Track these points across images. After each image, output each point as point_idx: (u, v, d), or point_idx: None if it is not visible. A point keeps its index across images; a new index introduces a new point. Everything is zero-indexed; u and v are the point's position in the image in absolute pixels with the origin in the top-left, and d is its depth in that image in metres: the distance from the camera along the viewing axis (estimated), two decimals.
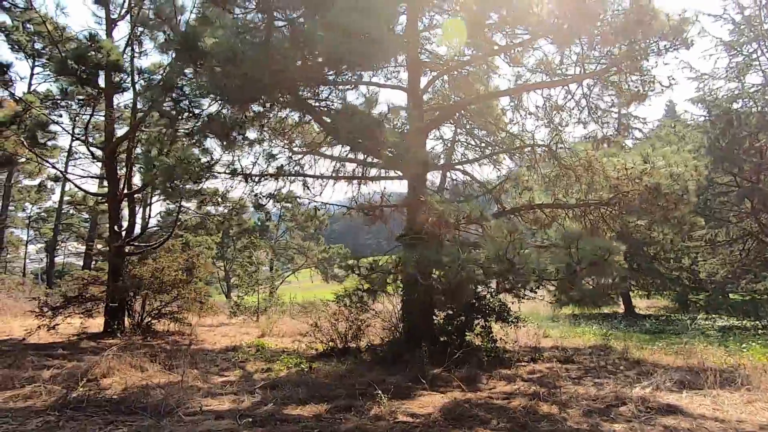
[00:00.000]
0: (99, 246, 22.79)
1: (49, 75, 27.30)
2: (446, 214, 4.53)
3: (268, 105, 6.47)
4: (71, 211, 34.31)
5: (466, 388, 5.02)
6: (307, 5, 4.46)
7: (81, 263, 40.44)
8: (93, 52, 6.92)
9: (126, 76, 8.66)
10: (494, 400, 4.49)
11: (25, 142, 8.63)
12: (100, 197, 9.38)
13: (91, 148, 9.47)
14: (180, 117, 6.18)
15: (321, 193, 9.23)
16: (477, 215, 4.47)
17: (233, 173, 6.93)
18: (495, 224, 4.61)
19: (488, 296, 7.67)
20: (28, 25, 24.00)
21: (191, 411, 3.72)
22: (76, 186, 8.85)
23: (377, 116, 4.88)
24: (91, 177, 11.05)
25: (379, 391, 4.10)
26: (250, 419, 3.54)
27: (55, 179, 18.61)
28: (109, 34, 8.80)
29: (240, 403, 4.14)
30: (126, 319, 8.96)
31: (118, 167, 9.12)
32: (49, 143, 8.96)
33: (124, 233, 8.91)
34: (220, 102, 5.84)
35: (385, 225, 9.95)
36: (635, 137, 16.18)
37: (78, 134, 10.33)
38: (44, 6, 8.18)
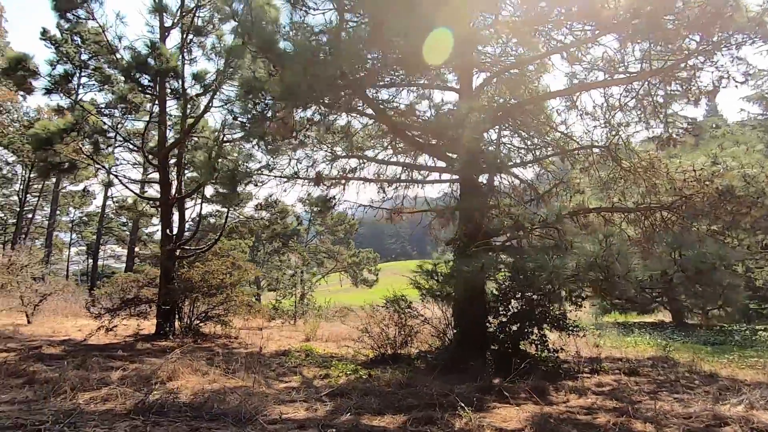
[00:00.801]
0: (139, 249, 23.59)
1: (94, 85, 28.60)
2: (522, 218, 4.33)
3: (327, 107, 6.43)
4: (110, 215, 35.64)
5: (540, 400, 4.79)
6: (392, 7, 4.37)
7: (119, 265, 42.01)
8: (153, 60, 7.07)
9: (181, 83, 8.84)
10: (577, 416, 4.23)
11: (82, 148, 8.92)
12: (152, 201, 9.52)
13: (134, 153, 9.67)
14: (255, 121, 6.21)
15: (358, 195, 9.25)
16: (553, 219, 4.24)
17: (291, 176, 6.92)
18: (591, 228, 4.37)
19: (546, 303, 7.38)
20: (75, 38, 25.16)
21: (271, 419, 3.65)
22: (132, 192, 9.08)
23: (456, 118, 4.73)
24: (147, 182, 11.32)
25: (461, 403, 3.93)
26: (334, 430, 3.43)
27: (108, 184, 19.29)
28: (162, 42, 9.01)
29: (314, 411, 4.04)
30: (176, 321, 9.10)
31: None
32: (107, 149, 9.18)
33: (173, 237, 9.06)
34: (288, 104, 5.82)
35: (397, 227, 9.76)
36: (687, 137, 15.37)
37: (120, 141, 10.59)
38: (104, 16, 8.43)
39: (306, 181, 9.29)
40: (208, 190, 10.34)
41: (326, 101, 5.76)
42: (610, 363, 7.91)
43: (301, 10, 5.52)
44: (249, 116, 5.85)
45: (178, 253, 9.09)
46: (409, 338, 7.98)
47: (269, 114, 5.97)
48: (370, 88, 5.83)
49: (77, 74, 26.83)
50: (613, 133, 8.04)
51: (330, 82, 4.62)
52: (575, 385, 5.92)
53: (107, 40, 8.26)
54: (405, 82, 6.62)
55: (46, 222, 39.23)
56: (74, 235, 42.32)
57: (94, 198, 39.81)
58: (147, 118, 9.33)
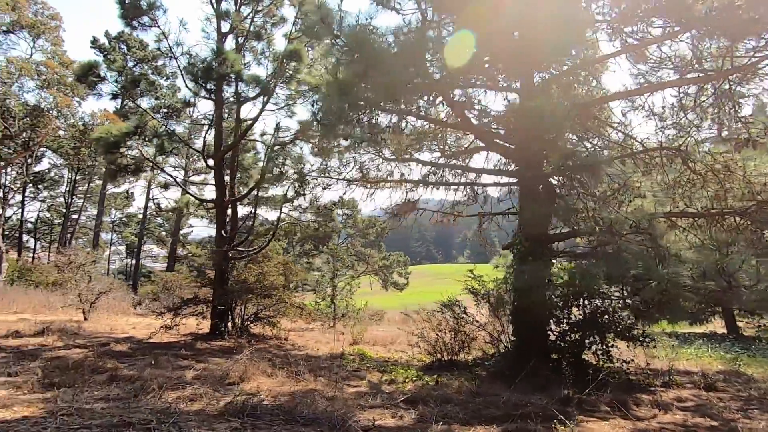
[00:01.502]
0: (177, 249, 24.26)
1: (139, 90, 29.74)
2: (616, 222, 4.12)
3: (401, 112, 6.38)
4: (149, 217, 36.86)
5: (627, 415, 4.55)
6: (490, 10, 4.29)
7: (154, 265, 43.41)
8: (219, 65, 7.21)
9: (235, 86, 8.99)
10: None
11: (142, 151, 9.18)
12: (207, 203, 9.71)
13: (187, 156, 9.87)
14: (348, 123, 6.23)
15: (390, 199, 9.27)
16: (645, 224, 4.02)
17: (361, 179, 6.93)
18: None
19: (614, 311, 7.07)
20: (121, 46, 26.26)
21: (363, 425, 3.58)
22: (189, 194, 9.26)
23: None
24: (206, 184, 11.55)
25: (560, 416, 3.77)
26: None
27: (165, 186, 20.00)
28: (219, 50, 9.20)
29: (401, 419, 3.95)
30: (229, 321, 9.23)
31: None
32: (170, 152, 9.41)
33: (228, 238, 9.19)
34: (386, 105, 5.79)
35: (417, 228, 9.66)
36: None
37: (180, 145, 10.84)
38: (167, 23, 8.75)
39: (358, 183, 9.33)
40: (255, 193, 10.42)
41: (406, 104, 5.71)
42: (677, 376, 7.51)
43: (390, 10, 5.49)
44: (339, 118, 5.83)
45: (230, 254, 9.22)
46: (465, 344, 7.82)
47: (354, 117, 5.96)
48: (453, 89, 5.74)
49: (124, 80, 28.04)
50: (682, 134, 7.67)
51: (420, 83, 4.55)
52: (653, 399, 5.62)
53: (169, 46, 8.50)
54: (483, 84, 6.48)
55: (89, 222, 41.06)
56: (114, 236, 44.10)
57: (134, 200, 41.46)
58: (189, 122, 9.50)
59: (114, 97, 8.35)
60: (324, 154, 10.09)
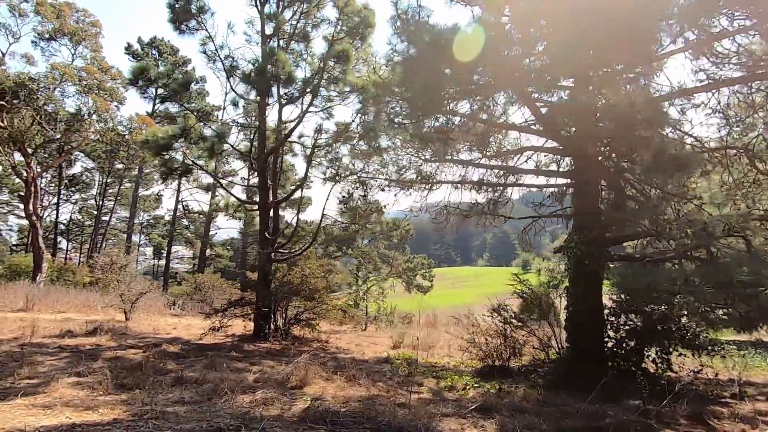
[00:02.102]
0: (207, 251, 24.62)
1: (167, 95, 30.39)
2: (710, 224, 3.89)
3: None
4: (180, 219, 37.54)
5: (714, 430, 4.29)
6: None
7: (180, 266, 44.21)
8: (271, 67, 7.21)
9: (277, 88, 8.99)
10: None
11: (186, 154, 9.27)
12: (250, 205, 9.75)
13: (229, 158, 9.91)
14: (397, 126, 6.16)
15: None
16: (739, 226, 3.78)
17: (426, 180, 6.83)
18: None
19: (678, 318, 6.76)
20: (153, 51, 26.90)
21: None
22: (232, 195, 9.31)
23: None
24: (250, 187, 11.63)
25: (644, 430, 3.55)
26: None
27: (208, 188, 20.36)
28: (263, 49, 9.23)
29: (483, 429, 3.79)
30: (271, 323, 9.22)
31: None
32: (220, 155, 9.47)
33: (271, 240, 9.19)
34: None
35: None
36: None
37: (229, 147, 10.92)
38: (214, 26, 8.84)
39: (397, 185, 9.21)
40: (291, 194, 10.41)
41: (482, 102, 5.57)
42: (750, 388, 7.15)
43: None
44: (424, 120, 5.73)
45: (273, 256, 9.22)
46: (516, 350, 7.62)
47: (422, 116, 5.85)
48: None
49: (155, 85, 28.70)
50: (745, 132, 7.32)
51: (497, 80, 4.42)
52: (731, 412, 5.32)
53: (215, 49, 8.57)
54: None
55: (119, 224, 42.16)
56: (142, 237, 45.14)
57: (161, 203, 42.40)
58: (223, 124, 9.52)
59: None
60: (365, 156, 10.05)
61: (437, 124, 6.83)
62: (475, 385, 5.88)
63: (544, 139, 8.51)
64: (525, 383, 6.44)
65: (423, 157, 9.84)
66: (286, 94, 8.03)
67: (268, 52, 7.43)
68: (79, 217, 44.40)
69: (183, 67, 25.71)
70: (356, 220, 10.70)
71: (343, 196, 7.85)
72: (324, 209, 9.33)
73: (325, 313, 9.20)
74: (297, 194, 10.42)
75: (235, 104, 8.92)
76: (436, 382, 6.20)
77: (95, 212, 39.78)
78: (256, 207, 9.37)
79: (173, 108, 29.37)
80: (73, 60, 16.29)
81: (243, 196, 17.71)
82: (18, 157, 17.04)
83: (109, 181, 38.54)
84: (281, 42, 9.71)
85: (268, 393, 4.50)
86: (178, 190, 26.31)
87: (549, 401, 5.22)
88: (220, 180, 9.42)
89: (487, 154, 9.52)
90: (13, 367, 5.05)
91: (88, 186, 41.02)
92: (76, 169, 37.49)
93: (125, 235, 43.43)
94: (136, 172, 32.05)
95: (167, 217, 42.44)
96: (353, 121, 10.01)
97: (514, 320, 7.94)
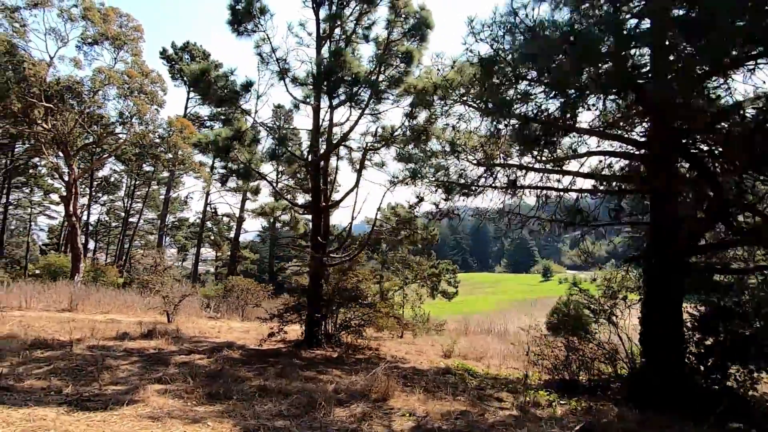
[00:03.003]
0: (221, 253, 24.73)
1: (200, 98, 30.77)
2: None
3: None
4: (194, 220, 37.94)
5: None
6: None
7: (203, 268, 44.65)
8: (340, 68, 7.07)
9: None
10: None
11: (239, 156, 9.19)
12: (302, 208, 9.63)
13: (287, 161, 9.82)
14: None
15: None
16: None
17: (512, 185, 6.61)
18: None
19: None
20: (186, 56, 27.31)
21: None
22: (286, 199, 9.19)
23: None
24: (303, 190, 11.53)
25: None
26: None
27: (256, 191, 20.52)
28: (318, 51, 9.13)
29: None
30: (322, 329, 9.05)
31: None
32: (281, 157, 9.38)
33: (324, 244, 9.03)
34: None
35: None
36: None
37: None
38: (273, 28, 8.80)
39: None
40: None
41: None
42: None
43: None
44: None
45: (324, 261, 9.05)
46: (585, 364, 7.28)
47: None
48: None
49: (186, 90, 29.03)
50: None
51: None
52: None
53: (272, 49, 8.49)
54: None
55: (145, 225, 42.88)
56: (167, 238, 45.84)
57: (185, 205, 43.01)
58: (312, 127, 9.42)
59: (221, 102, 8.41)
60: (413, 160, 9.84)
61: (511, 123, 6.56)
62: (561, 402, 5.57)
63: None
64: (603, 400, 6.11)
65: (472, 161, 9.63)
66: (346, 95, 7.86)
67: (335, 51, 7.28)
68: (107, 219, 45.37)
69: (215, 70, 25.94)
70: (408, 226, 10.49)
71: (417, 199, 7.60)
72: (377, 213, 9.15)
73: (378, 321, 8.98)
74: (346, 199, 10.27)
75: (296, 105, 8.78)
76: (513, 397, 5.90)
77: (122, 214, 40.58)
78: (306, 210, 9.22)
79: (204, 110, 29.83)
80: (114, 64, 16.60)
81: (270, 199, 17.74)
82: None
83: (137, 183, 39.31)
84: (335, 44, 9.59)
85: (360, 406, 4.30)
86: (207, 193, 26.60)
87: (648, 422, 4.89)
88: (275, 185, 9.38)
89: (549, 158, 9.21)
90: (92, 371, 4.96)
91: (116, 188, 41.95)
92: (105, 171, 38.36)
93: (151, 237, 44.22)
94: (167, 175, 32.52)
95: (191, 219, 43.13)
96: (403, 123, 9.83)
97: (582, 332, 7.60)
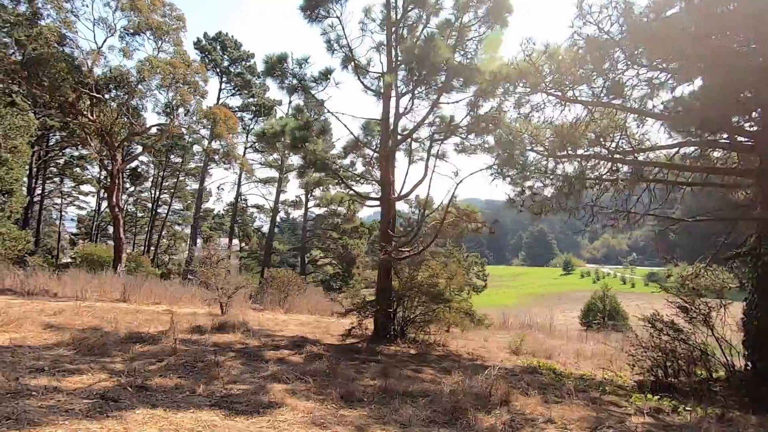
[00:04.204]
0: (245, 244, 24.69)
1: (232, 89, 30.75)
2: None
3: None
4: (224, 212, 38.16)
5: None
6: None
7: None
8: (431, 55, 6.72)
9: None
10: None
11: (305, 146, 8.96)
12: (371, 200, 9.38)
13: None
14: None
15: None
16: None
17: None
18: None
19: None
20: (217, 48, 27.15)
21: None
22: (352, 189, 8.94)
23: None
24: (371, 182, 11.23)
25: None
26: None
27: (265, 182, 20.45)
28: (388, 38, 8.80)
29: None
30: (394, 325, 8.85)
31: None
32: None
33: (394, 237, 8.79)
34: None
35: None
36: None
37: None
38: (350, 14, 8.56)
39: None
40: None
41: None
42: None
43: None
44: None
45: (394, 255, 8.81)
46: (686, 365, 6.93)
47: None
48: None
49: (219, 80, 28.94)
50: None
51: None
52: None
53: (338, 36, 8.21)
54: None
55: (171, 216, 43.34)
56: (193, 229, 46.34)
57: (210, 195, 43.33)
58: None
59: (292, 90, 8.16)
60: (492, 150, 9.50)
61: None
62: (686, 408, 5.24)
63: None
64: (715, 404, 5.76)
65: (538, 152, 9.27)
66: (433, 83, 7.52)
67: (429, 36, 6.92)
68: (133, 209, 46.00)
69: (246, 61, 25.88)
70: (469, 218, 10.18)
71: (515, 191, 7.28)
72: (449, 205, 8.85)
73: (447, 316, 8.73)
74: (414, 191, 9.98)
75: (378, 93, 8.46)
76: (626, 401, 5.61)
77: (150, 204, 41.06)
78: (377, 203, 8.98)
79: (236, 100, 29.69)
80: (157, 54, 16.50)
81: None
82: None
83: (164, 174, 39.66)
84: (404, 31, 9.25)
85: (499, 411, 4.06)
86: (239, 184, 26.61)
87: None
88: (343, 176, 9.12)
89: (622, 149, 8.78)
90: (203, 369, 4.81)
91: (143, 178, 42.40)
92: (133, 162, 38.73)
93: (177, 227, 44.74)
94: (194, 166, 32.70)
95: (216, 210, 43.47)
96: (469, 113, 9.48)
97: (674, 332, 7.24)
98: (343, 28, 8.26)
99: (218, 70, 25.69)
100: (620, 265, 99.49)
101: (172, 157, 37.23)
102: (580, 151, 9.11)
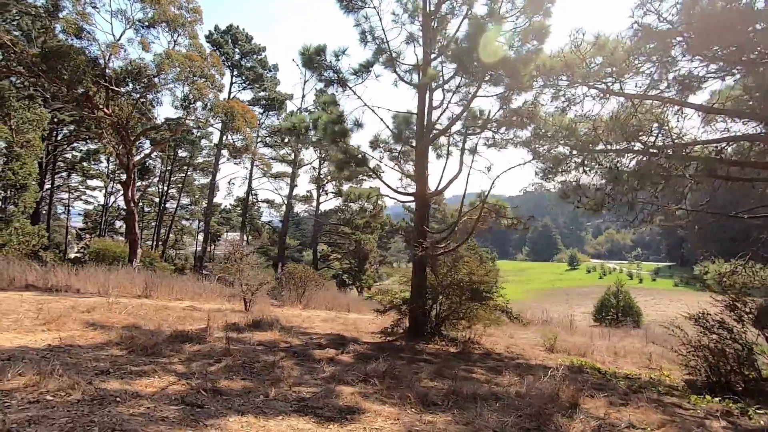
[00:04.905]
0: (253, 238, 24.52)
1: (242, 82, 30.46)
2: None
3: None
4: (228, 207, 37.99)
5: None
6: None
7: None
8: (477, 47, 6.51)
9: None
10: None
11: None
12: (405, 195, 9.18)
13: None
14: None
15: None
16: None
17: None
18: None
19: None
20: (228, 41, 26.82)
21: None
22: (385, 184, 8.76)
23: None
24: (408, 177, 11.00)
25: None
26: None
27: (275, 176, 20.17)
28: (425, 28, 8.57)
29: None
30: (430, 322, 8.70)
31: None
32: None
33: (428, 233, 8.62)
34: None
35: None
36: None
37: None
38: (388, 4, 8.30)
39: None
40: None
41: None
42: None
43: None
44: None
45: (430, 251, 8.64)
46: (739, 365, 6.78)
47: None
48: None
49: (230, 74, 28.64)
50: None
51: None
52: None
53: (381, 26, 7.98)
54: None
55: (179, 211, 43.24)
56: (201, 224, 46.26)
57: (218, 190, 43.19)
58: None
59: (328, 83, 7.96)
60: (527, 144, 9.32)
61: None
62: (758, 411, 5.09)
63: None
64: None
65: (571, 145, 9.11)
66: (475, 75, 7.29)
67: (478, 27, 6.67)
68: (141, 204, 45.89)
69: (258, 54, 25.59)
70: (498, 213, 10.01)
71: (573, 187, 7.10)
72: (484, 200, 8.68)
73: (482, 313, 8.57)
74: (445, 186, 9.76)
75: (421, 86, 8.25)
76: (689, 403, 5.46)
77: (156, 199, 40.94)
78: (410, 198, 8.80)
79: (246, 94, 29.38)
80: (173, 47, 16.25)
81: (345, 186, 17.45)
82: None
83: (170, 168, 39.50)
84: (434, 22, 9.01)
85: (583, 416, 3.91)
86: (250, 178, 26.42)
87: None
88: (376, 171, 8.95)
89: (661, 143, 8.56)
90: (261, 370, 4.67)
91: (150, 172, 42.25)
92: (138, 156, 38.55)
93: (185, 222, 44.65)
94: (201, 161, 32.50)
95: (223, 205, 43.33)
96: (502, 107, 9.29)
97: (721, 330, 7.08)
98: (380, 19, 8.05)
99: (229, 63, 25.39)
100: (625, 260, 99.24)
101: (179, 151, 37.06)
102: (615, 146, 8.94)
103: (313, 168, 24.82)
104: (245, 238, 39.63)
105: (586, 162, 8.86)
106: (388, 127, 7.88)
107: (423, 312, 8.43)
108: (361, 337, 8.28)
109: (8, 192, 18.33)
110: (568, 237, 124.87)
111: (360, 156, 7.87)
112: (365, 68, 7.80)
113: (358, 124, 8.62)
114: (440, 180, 8.48)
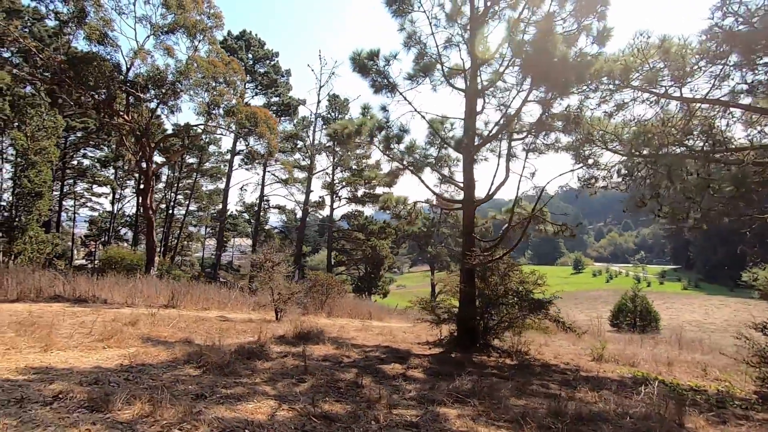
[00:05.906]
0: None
1: (255, 87, 30.30)
2: None
3: None
4: (234, 212, 37.74)
5: None
6: None
7: (240, 261, 44.57)
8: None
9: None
10: None
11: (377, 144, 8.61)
12: (453, 202, 8.98)
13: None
14: None
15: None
16: None
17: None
18: None
19: None
20: (242, 47, 26.59)
21: None
22: (430, 190, 8.51)
23: None
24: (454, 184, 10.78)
25: None
26: None
27: (285, 182, 19.95)
28: (472, 33, 8.41)
29: None
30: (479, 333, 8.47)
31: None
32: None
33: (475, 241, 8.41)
34: None
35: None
36: None
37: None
38: (439, 7, 8.16)
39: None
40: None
41: None
42: None
43: None
44: None
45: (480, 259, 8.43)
46: None
47: None
48: None
49: (246, 78, 28.45)
50: None
51: None
52: None
53: (431, 31, 7.81)
54: None
55: (187, 218, 42.97)
56: (207, 230, 45.97)
57: (221, 196, 42.91)
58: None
59: (379, 88, 7.78)
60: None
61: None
62: None
63: None
64: None
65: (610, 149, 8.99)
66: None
67: (545, 31, 6.50)
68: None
69: (270, 60, 25.46)
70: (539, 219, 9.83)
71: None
72: (534, 208, 8.49)
73: (533, 323, 8.36)
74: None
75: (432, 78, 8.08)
76: None
77: (163, 205, 40.66)
78: (458, 205, 8.59)
79: (259, 99, 29.21)
80: (195, 52, 16.07)
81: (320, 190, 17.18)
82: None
83: (177, 175, 39.27)
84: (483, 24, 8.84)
85: None
86: (262, 185, 26.17)
87: None
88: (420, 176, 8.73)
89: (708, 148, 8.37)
90: (347, 390, 4.45)
91: (157, 179, 41.99)
92: (160, 160, 38.35)
93: (193, 228, 44.33)
94: (227, 167, 32.25)
95: (230, 211, 43.05)
96: (545, 112, 9.12)
97: None
98: (430, 23, 7.87)
99: (243, 68, 25.22)
100: (628, 263, 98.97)
101: (187, 157, 36.86)
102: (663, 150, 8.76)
103: (327, 174, 24.67)
104: (252, 244, 39.46)
105: (655, 169, 8.67)
106: (437, 133, 7.67)
107: (475, 323, 8.21)
108: (412, 348, 8.05)
109: (24, 200, 18.08)
110: (570, 240, 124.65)
111: (419, 162, 7.68)
112: (422, 73, 7.62)
113: (405, 130, 8.44)
114: (491, 186, 8.27)
